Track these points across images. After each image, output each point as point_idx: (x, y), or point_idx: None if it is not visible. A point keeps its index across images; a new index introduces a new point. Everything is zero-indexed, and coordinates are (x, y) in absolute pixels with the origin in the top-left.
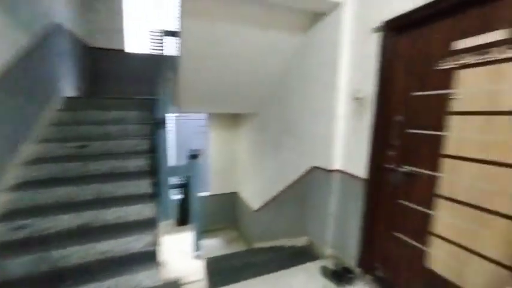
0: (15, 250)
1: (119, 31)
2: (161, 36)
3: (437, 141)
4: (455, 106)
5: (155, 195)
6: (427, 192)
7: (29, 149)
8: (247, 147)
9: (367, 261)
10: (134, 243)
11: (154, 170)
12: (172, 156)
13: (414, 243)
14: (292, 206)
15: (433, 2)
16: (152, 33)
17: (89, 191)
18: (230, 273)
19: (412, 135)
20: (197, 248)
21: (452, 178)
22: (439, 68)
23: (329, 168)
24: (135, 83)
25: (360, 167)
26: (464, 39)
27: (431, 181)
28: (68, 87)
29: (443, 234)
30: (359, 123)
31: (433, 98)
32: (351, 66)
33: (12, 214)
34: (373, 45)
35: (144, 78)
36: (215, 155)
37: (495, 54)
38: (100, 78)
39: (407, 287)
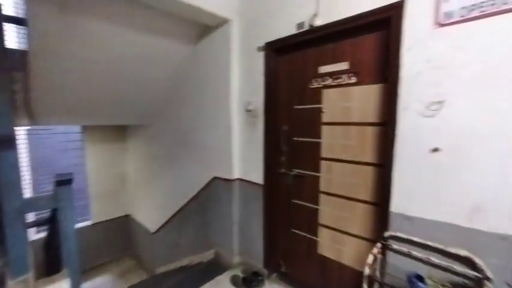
0: None
1: None
2: None
3: (316, 146)
4: (324, 118)
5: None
6: (313, 190)
7: None
8: (139, 162)
9: (272, 261)
10: None
11: None
12: (28, 183)
13: (308, 235)
14: (195, 221)
15: (299, 33)
16: None
17: None
18: None
19: (298, 142)
20: None
21: (327, 176)
22: (311, 86)
23: (229, 177)
24: None
25: (257, 174)
26: (325, 66)
27: (315, 180)
28: None
29: (325, 223)
30: (254, 134)
31: (309, 110)
32: (242, 79)
33: None
34: (260, 61)
35: None
36: (95, 175)
37: (344, 79)
38: None
39: (306, 275)
